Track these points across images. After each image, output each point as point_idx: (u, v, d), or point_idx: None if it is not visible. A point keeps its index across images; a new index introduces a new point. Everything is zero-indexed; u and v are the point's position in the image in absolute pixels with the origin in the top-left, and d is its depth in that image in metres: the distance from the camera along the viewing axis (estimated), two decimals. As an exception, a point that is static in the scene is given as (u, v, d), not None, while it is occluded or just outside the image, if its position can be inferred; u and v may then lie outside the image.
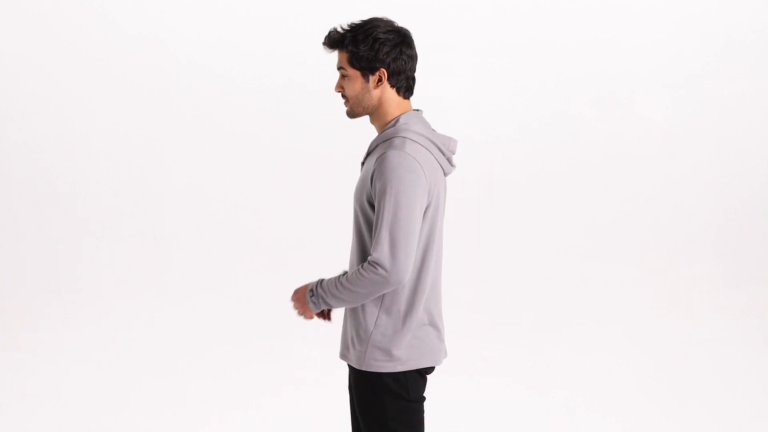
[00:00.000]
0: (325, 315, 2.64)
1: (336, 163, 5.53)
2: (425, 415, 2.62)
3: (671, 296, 5.71)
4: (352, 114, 2.56)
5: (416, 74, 2.54)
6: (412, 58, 2.51)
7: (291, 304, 2.64)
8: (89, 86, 5.66)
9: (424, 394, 2.60)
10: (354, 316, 2.55)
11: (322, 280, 2.52)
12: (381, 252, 2.35)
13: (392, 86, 2.49)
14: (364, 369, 2.50)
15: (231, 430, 4.37)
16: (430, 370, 2.60)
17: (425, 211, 2.43)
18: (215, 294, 5.55)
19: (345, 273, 2.48)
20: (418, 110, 2.59)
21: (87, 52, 5.64)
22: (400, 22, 2.62)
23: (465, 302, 5.40)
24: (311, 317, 2.61)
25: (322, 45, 2.53)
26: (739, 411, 4.62)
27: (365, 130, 2.71)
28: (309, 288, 2.54)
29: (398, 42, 2.47)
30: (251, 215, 5.70)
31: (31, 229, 5.66)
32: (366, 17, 2.54)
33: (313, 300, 2.52)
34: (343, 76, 2.51)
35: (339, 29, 2.49)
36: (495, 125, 5.77)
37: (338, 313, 2.70)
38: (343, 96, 2.54)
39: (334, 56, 2.54)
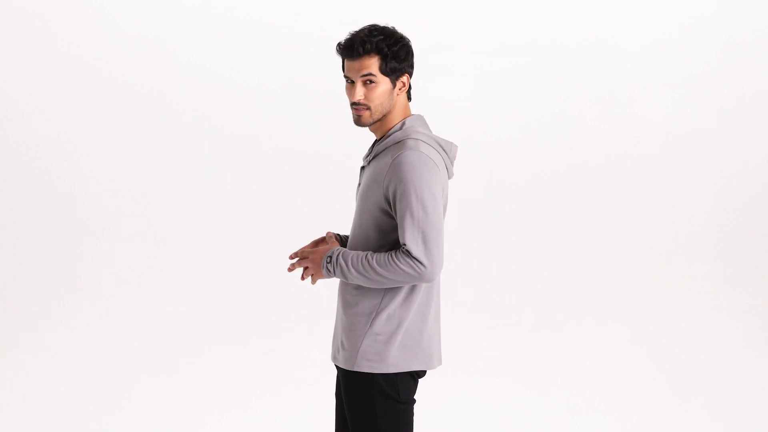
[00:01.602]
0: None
1: (336, 163, 5.54)
2: (415, 416, 2.64)
3: (671, 296, 5.71)
4: (367, 122, 2.53)
5: (415, 75, 2.58)
6: None
7: (303, 262, 2.61)
8: (89, 86, 5.66)
9: (415, 397, 2.60)
10: (346, 318, 2.56)
11: (343, 251, 2.51)
12: (418, 249, 2.38)
13: (406, 92, 2.55)
14: (355, 369, 2.51)
15: (231, 430, 4.37)
16: (422, 373, 2.61)
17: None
18: (215, 294, 5.55)
19: (369, 253, 2.47)
20: (420, 115, 2.61)
21: (87, 52, 5.64)
22: (401, 22, 2.63)
23: (465, 302, 5.40)
24: (315, 282, 2.61)
25: (343, 51, 2.49)
26: (739, 411, 4.62)
27: (365, 130, 2.71)
28: (327, 254, 2.52)
29: (413, 50, 2.52)
30: (251, 215, 5.70)
31: (31, 229, 5.66)
32: (370, 22, 2.54)
33: (328, 267, 2.51)
34: (366, 83, 2.48)
35: (368, 36, 2.46)
36: (495, 125, 5.77)
37: (330, 316, 2.70)
38: (360, 104, 2.50)
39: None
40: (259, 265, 5.61)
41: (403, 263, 2.39)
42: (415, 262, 2.38)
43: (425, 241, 2.38)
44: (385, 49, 2.45)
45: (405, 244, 2.40)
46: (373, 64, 2.46)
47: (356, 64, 2.46)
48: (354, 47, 2.45)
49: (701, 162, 5.93)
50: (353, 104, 2.50)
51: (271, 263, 5.56)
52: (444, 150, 2.53)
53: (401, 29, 2.54)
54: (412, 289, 2.49)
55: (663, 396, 4.77)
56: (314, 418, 4.41)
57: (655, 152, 5.89)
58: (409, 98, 2.57)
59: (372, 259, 2.44)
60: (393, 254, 2.42)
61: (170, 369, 4.94)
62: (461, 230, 5.21)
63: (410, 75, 2.51)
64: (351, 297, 2.57)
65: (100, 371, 4.91)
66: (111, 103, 5.67)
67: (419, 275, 2.39)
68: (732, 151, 5.95)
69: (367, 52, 2.45)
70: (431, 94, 5.46)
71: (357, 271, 2.45)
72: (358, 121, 2.53)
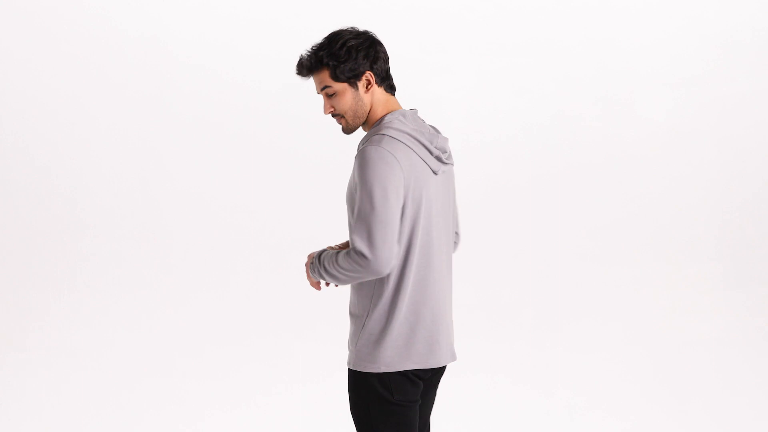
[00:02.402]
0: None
1: (337, 164, 5.53)
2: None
3: (671, 296, 5.71)
4: (350, 129, 2.60)
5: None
6: (386, 54, 2.57)
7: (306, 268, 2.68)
8: (89, 86, 5.66)
9: (418, 397, 2.59)
10: (350, 319, 2.61)
11: (324, 250, 2.59)
12: (360, 241, 2.39)
13: (380, 85, 2.55)
14: (352, 368, 2.55)
15: (233, 428, 4.37)
16: (426, 372, 2.59)
17: (405, 208, 2.46)
18: (216, 293, 5.55)
19: (340, 251, 2.52)
20: (413, 109, 2.62)
21: (87, 53, 5.64)
22: (400, 22, 2.64)
23: (465, 302, 5.40)
24: (316, 287, 2.65)
25: (297, 75, 2.57)
26: (739, 411, 4.62)
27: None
28: (315, 255, 2.59)
29: (370, 43, 2.52)
30: (251, 215, 5.70)
31: (31, 230, 5.66)
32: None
33: (312, 268, 2.59)
34: (329, 96, 2.54)
35: (308, 53, 2.54)
36: (495, 125, 5.77)
37: (331, 315, 2.70)
38: (335, 115, 2.57)
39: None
40: (260, 265, 5.61)
41: (352, 256, 2.43)
42: (359, 255, 2.40)
43: (369, 235, 2.38)
44: (326, 59, 2.49)
45: (351, 238, 2.45)
46: (324, 76, 2.52)
47: (314, 81, 2.55)
48: (302, 68, 2.55)
49: (702, 162, 5.93)
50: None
51: (272, 263, 5.57)
52: (422, 143, 2.51)
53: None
54: (398, 287, 2.49)
55: (663, 396, 4.77)
56: (315, 418, 4.41)
57: (655, 152, 5.89)
58: (391, 90, 2.59)
59: (338, 255, 2.49)
60: (349, 250, 2.47)
61: (171, 368, 4.95)
62: (461, 230, 5.20)
63: (371, 69, 2.52)
64: (351, 299, 2.61)
65: (101, 370, 4.91)
66: (111, 103, 5.67)
67: (364, 268, 2.40)
68: (733, 151, 5.95)
69: (315, 68, 2.52)
70: (431, 94, 5.46)
71: (328, 269, 2.51)
72: (345, 131, 2.60)
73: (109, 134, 5.66)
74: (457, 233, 2.86)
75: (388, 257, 2.39)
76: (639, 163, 5.86)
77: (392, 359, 2.50)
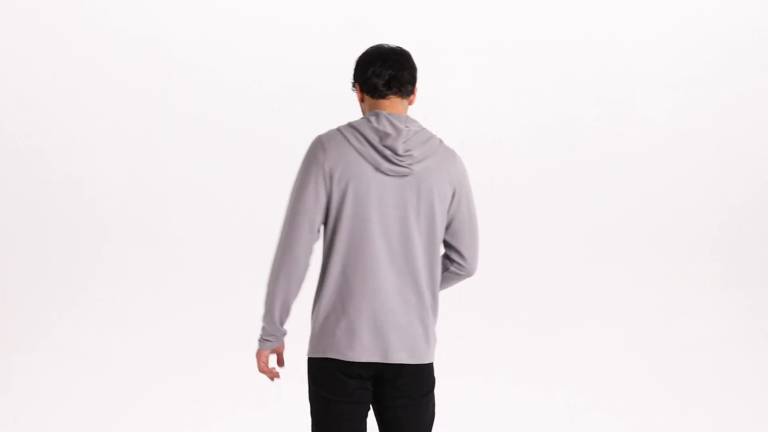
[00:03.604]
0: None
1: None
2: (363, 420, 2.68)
3: (671, 296, 5.71)
4: None
5: (407, 76, 2.66)
6: (382, 69, 2.65)
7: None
8: (89, 87, 5.65)
9: (351, 397, 2.61)
10: None
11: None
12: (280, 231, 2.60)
13: (372, 97, 2.68)
14: None
15: (237, 429, 4.37)
16: (350, 367, 2.59)
17: (331, 196, 2.57)
18: (215, 293, 5.54)
19: None
20: (375, 111, 2.65)
21: (87, 53, 5.63)
22: (400, 22, 2.65)
23: (465, 302, 5.40)
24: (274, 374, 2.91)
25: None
26: (739, 411, 4.62)
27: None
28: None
29: (370, 61, 2.66)
30: (252, 215, 5.69)
31: (31, 229, 5.65)
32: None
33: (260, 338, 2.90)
34: None
35: None
36: (495, 125, 5.77)
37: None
38: None
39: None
40: (260, 265, 5.59)
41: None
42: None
43: (282, 224, 2.61)
44: None
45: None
46: None
47: None
48: None
49: (702, 162, 5.92)
50: None
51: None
52: (367, 139, 2.58)
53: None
54: (324, 276, 2.61)
55: (663, 396, 4.78)
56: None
57: (655, 152, 5.88)
58: (377, 95, 2.66)
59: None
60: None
61: (176, 370, 4.94)
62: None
63: (360, 82, 2.69)
64: None
65: (109, 372, 4.91)
66: (111, 103, 5.66)
67: (277, 258, 2.60)
68: (733, 151, 5.95)
69: None
70: (431, 95, 5.45)
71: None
72: None
73: (109, 134, 5.65)
74: (461, 255, 2.95)
75: (288, 245, 2.58)
76: (639, 163, 5.85)
77: (317, 346, 2.63)
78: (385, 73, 2.63)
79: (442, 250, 2.84)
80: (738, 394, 4.82)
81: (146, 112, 5.66)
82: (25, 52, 5.60)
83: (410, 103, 2.70)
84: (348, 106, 5.42)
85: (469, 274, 3.00)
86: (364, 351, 2.57)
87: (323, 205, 2.58)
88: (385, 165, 2.57)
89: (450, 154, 2.72)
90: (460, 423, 4.40)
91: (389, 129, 2.58)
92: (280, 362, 2.85)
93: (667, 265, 5.77)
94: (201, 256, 5.65)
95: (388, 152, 2.57)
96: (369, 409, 2.71)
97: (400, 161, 2.58)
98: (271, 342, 2.79)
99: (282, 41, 5.69)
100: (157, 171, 5.68)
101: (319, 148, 2.62)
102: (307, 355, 2.67)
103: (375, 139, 2.57)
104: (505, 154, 5.75)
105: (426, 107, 3.75)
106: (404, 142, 2.58)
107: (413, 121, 2.66)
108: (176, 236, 5.66)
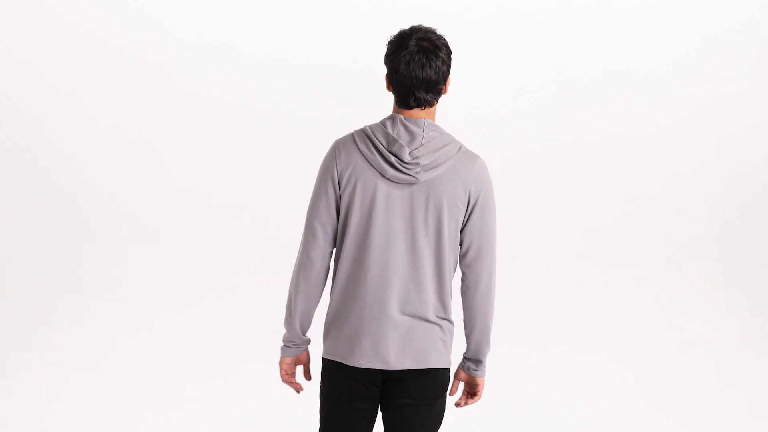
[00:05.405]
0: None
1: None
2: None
3: (671, 296, 5.71)
4: None
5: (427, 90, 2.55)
6: (412, 89, 2.53)
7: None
8: (89, 87, 5.66)
9: (356, 402, 2.62)
10: None
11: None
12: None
13: (392, 89, 2.57)
14: None
15: (236, 430, 4.37)
16: (354, 372, 2.59)
17: (340, 201, 2.57)
18: (215, 293, 5.55)
19: None
20: (392, 114, 2.58)
21: (87, 52, 5.64)
22: (401, 22, 2.63)
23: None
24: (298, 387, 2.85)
25: None
26: (739, 411, 4.63)
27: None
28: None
29: (404, 74, 2.52)
30: (252, 215, 5.70)
31: (31, 229, 5.66)
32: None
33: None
34: None
35: None
36: (495, 125, 5.77)
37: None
38: None
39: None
40: (260, 265, 5.61)
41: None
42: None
43: (305, 222, 2.62)
44: None
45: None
46: None
47: None
48: None
49: (702, 162, 5.93)
50: None
51: (272, 263, 5.57)
52: (374, 144, 2.52)
53: (396, 31, 2.58)
54: (334, 280, 2.62)
55: (663, 396, 4.78)
56: (315, 417, 4.41)
57: (655, 152, 5.89)
58: (404, 105, 2.56)
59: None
60: None
61: (173, 369, 4.94)
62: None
63: (387, 75, 2.57)
64: None
65: (104, 371, 4.91)
66: (111, 103, 5.67)
67: (297, 261, 2.64)
68: (733, 151, 5.95)
69: None
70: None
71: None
72: None
73: (109, 134, 5.66)
74: (470, 267, 2.65)
75: (306, 248, 2.61)
76: (639, 163, 5.86)
77: (327, 346, 2.65)
78: (414, 93, 2.53)
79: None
80: (738, 394, 4.82)
81: (146, 112, 5.66)
82: (25, 52, 5.60)
83: (443, 92, 2.61)
84: (348, 106, 5.43)
85: (477, 296, 2.67)
86: (363, 357, 2.56)
87: (334, 210, 2.58)
88: (390, 172, 2.50)
89: (469, 160, 2.57)
90: (460, 423, 4.40)
91: (402, 134, 2.51)
92: (307, 375, 2.76)
93: (667, 265, 5.78)
94: (201, 256, 5.65)
95: (393, 159, 2.49)
96: (377, 411, 2.70)
97: (407, 169, 2.49)
98: (291, 349, 2.71)
99: (282, 41, 5.70)
100: (157, 171, 5.69)
101: (332, 153, 2.59)
102: (322, 354, 2.68)
103: (384, 145, 2.51)
104: (505, 154, 5.75)
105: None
106: (414, 149, 2.50)
107: (434, 126, 2.56)
108: (176, 236, 5.66)
